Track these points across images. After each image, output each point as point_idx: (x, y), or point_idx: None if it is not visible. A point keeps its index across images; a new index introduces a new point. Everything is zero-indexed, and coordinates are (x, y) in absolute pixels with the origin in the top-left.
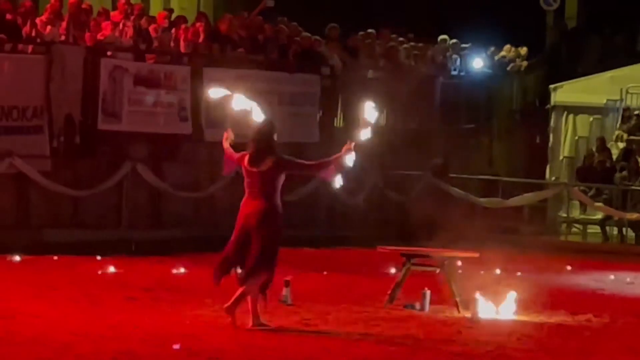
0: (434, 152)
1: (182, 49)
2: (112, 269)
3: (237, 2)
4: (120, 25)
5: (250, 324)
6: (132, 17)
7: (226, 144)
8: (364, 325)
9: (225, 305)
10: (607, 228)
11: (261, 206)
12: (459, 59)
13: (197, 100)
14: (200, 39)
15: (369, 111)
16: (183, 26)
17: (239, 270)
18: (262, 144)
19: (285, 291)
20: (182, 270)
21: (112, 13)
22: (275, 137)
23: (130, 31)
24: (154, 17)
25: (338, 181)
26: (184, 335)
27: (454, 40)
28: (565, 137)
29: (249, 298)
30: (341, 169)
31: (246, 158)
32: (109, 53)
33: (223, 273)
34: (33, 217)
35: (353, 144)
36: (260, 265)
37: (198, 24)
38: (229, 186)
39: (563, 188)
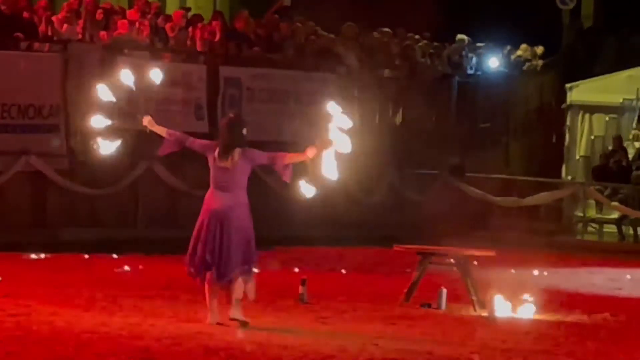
0: (450, 152)
1: (199, 48)
2: (128, 267)
3: (253, 0)
4: (137, 24)
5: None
6: (148, 16)
7: (163, 129)
8: (380, 323)
9: (230, 314)
10: (623, 227)
11: (232, 201)
12: (474, 58)
13: (214, 99)
14: (217, 38)
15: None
16: (199, 25)
17: (210, 275)
18: (230, 137)
19: (302, 289)
20: None
21: (128, 12)
22: (244, 131)
23: (146, 30)
24: (170, 16)
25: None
26: (200, 333)
27: (466, 38)
28: (582, 137)
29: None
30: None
31: (216, 151)
32: (125, 51)
33: (199, 272)
34: (49, 215)
35: (321, 147)
36: (242, 258)
37: (214, 23)
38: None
39: (579, 187)
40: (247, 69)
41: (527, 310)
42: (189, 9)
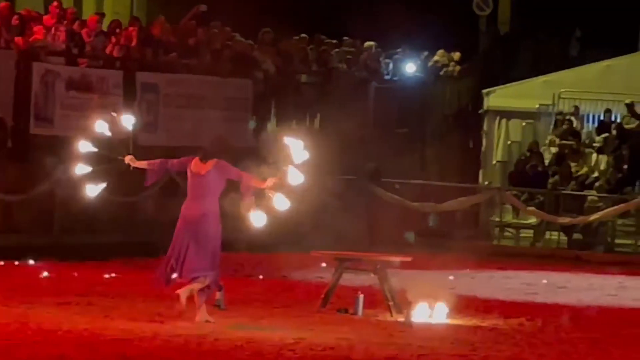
0: (368, 157)
1: (115, 54)
2: (44, 274)
3: (171, 6)
4: (53, 30)
5: (197, 318)
6: (64, 21)
7: (143, 162)
8: (297, 329)
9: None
10: (540, 232)
11: (203, 209)
12: (391, 64)
13: (130, 104)
14: (133, 43)
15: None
16: (116, 30)
17: (174, 276)
18: (211, 151)
19: (219, 295)
20: (114, 275)
21: (44, 17)
22: (227, 151)
23: (62, 35)
24: (86, 21)
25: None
26: (117, 340)
27: (374, 44)
28: (498, 142)
29: (196, 295)
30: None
31: (193, 161)
32: (41, 57)
33: (164, 278)
34: None
35: (279, 179)
36: (206, 265)
37: (131, 29)
38: (161, 191)
39: (496, 192)
40: (163, 74)
41: (444, 315)
42: (104, 15)
